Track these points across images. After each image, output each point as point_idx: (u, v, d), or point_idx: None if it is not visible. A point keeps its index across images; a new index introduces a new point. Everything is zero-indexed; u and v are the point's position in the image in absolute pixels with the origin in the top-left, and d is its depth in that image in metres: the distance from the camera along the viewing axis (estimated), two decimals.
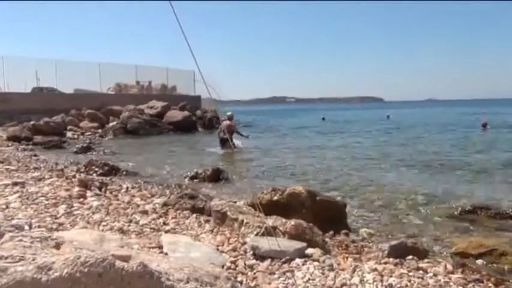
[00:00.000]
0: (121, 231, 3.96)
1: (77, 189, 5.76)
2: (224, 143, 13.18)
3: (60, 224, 4.02)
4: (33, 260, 1.76)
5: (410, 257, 3.69)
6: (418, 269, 3.37)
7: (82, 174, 7.58)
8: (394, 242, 3.91)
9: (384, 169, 9.38)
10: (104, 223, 4.22)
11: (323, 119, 37.78)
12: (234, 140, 13.48)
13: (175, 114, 23.06)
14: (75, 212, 4.57)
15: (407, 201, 6.29)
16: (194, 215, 4.83)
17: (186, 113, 23.51)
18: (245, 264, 3.20)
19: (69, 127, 20.31)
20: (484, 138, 17.67)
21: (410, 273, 3.20)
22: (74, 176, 7.14)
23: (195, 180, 8.12)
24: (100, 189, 6.19)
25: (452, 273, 3.39)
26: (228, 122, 14.06)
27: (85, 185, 6.09)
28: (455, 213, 5.52)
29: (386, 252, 3.78)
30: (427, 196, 6.58)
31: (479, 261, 3.91)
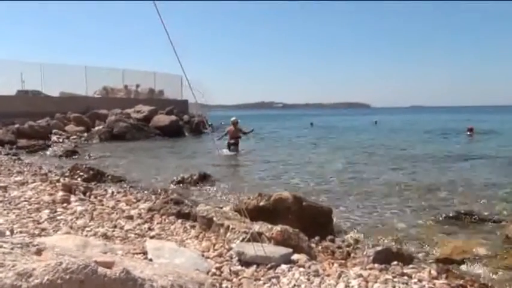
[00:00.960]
0: (105, 236, 3.91)
1: (60, 193, 5.68)
2: (229, 147, 14.00)
3: (43, 230, 3.96)
4: (13, 266, 1.72)
5: (395, 262, 3.71)
6: (402, 274, 3.38)
7: (66, 179, 7.50)
8: (379, 248, 3.93)
9: (370, 175, 9.42)
10: (87, 228, 4.17)
11: (311, 124, 38.01)
12: (240, 144, 14.31)
13: (162, 119, 22.95)
14: (59, 217, 4.50)
15: (393, 207, 6.33)
16: (180, 221, 4.80)
17: (173, 117, 23.41)
18: (230, 270, 3.18)
19: (54, 131, 20.05)
20: (469, 144, 17.92)
21: (395, 279, 3.21)
22: (58, 181, 7.05)
23: (181, 185, 8.08)
24: (84, 194, 6.12)
25: (436, 278, 3.41)
26: (232, 128, 14.46)
27: (69, 189, 6.01)
28: (440, 218, 5.57)
29: (371, 257, 3.79)
30: (412, 202, 6.64)
31: (463, 267, 3.95)
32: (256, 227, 3.94)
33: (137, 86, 28.88)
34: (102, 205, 5.49)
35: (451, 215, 5.60)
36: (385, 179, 8.80)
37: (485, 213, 5.72)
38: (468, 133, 22.43)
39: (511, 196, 7.08)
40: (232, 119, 14.82)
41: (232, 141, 14.14)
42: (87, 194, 6.18)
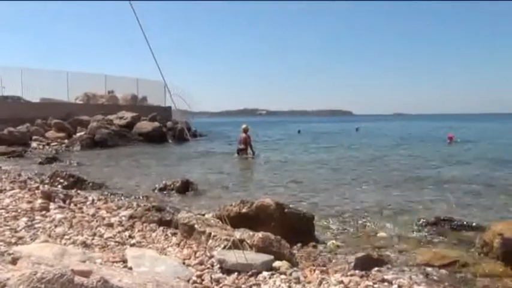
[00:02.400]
0: (84, 245, 3.85)
1: (39, 201, 5.59)
2: (238, 152, 14.69)
3: (20, 238, 3.88)
4: None
5: (376, 269, 3.74)
6: (383, 280, 3.41)
7: (46, 186, 7.37)
8: (360, 254, 3.96)
9: (352, 182, 9.49)
10: (66, 236, 4.10)
11: (299, 131, 38.22)
12: (250, 150, 14.68)
13: (145, 125, 22.76)
14: (37, 225, 4.43)
15: (374, 213, 6.38)
16: (161, 228, 4.76)
17: (156, 124, 23.24)
18: (211, 278, 3.16)
19: (34, 137, 19.71)
20: (448, 151, 18.19)
21: (376, 285, 3.24)
22: (38, 188, 6.94)
23: (163, 192, 8.02)
24: (64, 201, 6.03)
25: (416, 284, 3.45)
26: (243, 135, 14.83)
27: (48, 197, 5.91)
28: (420, 225, 5.63)
29: (352, 264, 3.81)
30: (393, 208, 6.70)
31: (443, 272, 3.99)
32: (238, 234, 3.94)
33: (110, 92, 28.34)
34: (82, 213, 5.41)
35: (430, 221, 5.66)
36: (366, 186, 8.87)
37: (464, 220, 5.80)
38: (448, 141, 22.79)
39: (488, 202, 7.21)
40: (243, 126, 15.05)
41: (242, 146, 14.72)
42: (67, 201, 6.09)
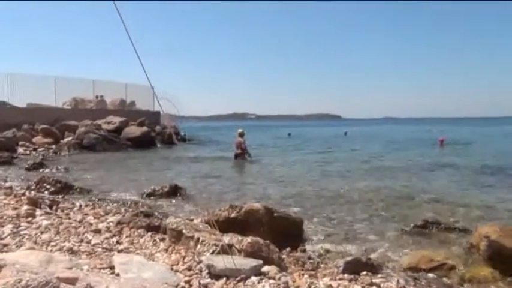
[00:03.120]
0: (71, 251, 3.81)
1: (25, 207, 5.52)
2: (236, 157, 14.98)
3: (5, 245, 3.82)
4: None
5: (364, 272, 3.76)
6: (371, 284, 3.43)
7: (32, 192, 7.30)
8: (348, 258, 3.97)
9: (340, 185, 9.52)
10: (52, 243, 4.05)
11: (289, 134, 38.37)
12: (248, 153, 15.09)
13: (134, 130, 22.61)
14: (22, 232, 4.37)
15: (362, 217, 6.41)
16: (149, 234, 4.73)
17: (144, 128, 23.10)
18: (200, 283, 3.15)
19: (20, 142, 19.44)
20: (439, 154, 18.38)
21: None
22: (24, 194, 6.86)
23: (152, 197, 7.96)
24: (51, 207, 5.96)
25: (404, 287, 3.47)
26: (239, 139, 15.08)
27: (35, 203, 5.84)
28: (408, 228, 5.67)
29: (341, 268, 3.82)
30: (381, 212, 6.74)
31: (430, 275, 4.02)
32: (227, 239, 3.92)
33: (100, 96, 28.05)
34: (69, 219, 5.36)
35: (419, 224, 5.70)
36: (354, 190, 8.91)
37: (452, 222, 5.87)
38: (439, 144, 23.05)
39: (475, 205, 7.29)
40: (239, 130, 15.31)
41: (238, 151, 14.97)
42: (54, 207, 6.02)
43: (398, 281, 3.65)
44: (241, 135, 15.10)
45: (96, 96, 27.79)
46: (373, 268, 3.90)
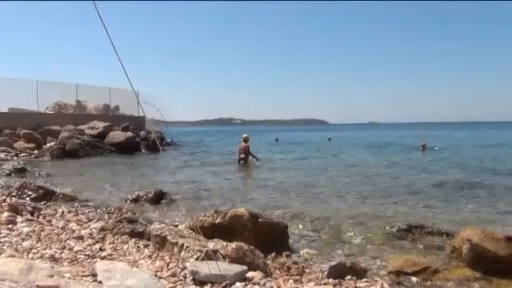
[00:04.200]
0: (52, 258, 3.76)
1: (6, 214, 5.43)
2: (239, 161, 15.18)
3: None
4: None
5: (349, 277, 3.78)
6: None
7: (13, 199, 7.16)
8: (333, 263, 4.00)
9: (326, 190, 9.57)
10: (34, 250, 3.99)
11: (276, 140, 38.46)
12: (253, 156, 15.36)
13: (118, 135, 22.40)
14: (2, 240, 4.30)
15: (347, 221, 6.44)
16: (133, 240, 4.70)
17: (128, 133, 22.91)
18: None
19: (1, 148, 19.13)
20: (421, 158, 18.60)
21: None
22: (4, 201, 6.73)
23: (136, 203, 7.90)
24: (32, 214, 5.88)
25: None
26: (244, 144, 15.24)
27: (15, 210, 5.75)
28: (392, 232, 5.72)
29: (326, 273, 3.85)
30: (365, 216, 6.77)
31: (414, 279, 4.07)
32: (211, 244, 3.92)
33: (78, 101, 27.72)
34: (51, 225, 5.28)
35: (402, 228, 5.76)
36: (339, 194, 8.97)
37: (435, 226, 5.93)
38: (421, 148, 23.35)
39: (458, 208, 7.40)
40: (244, 135, 15.48)
41: (242, 156, 15.18)
42: (36, 214, 5.93)
43: (382, 285, 3.68)
44: (246, 140, 15.31)
45: (77, 101, 27.45)
46: (358, 272, 3.93)
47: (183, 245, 3.99)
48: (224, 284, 3.22)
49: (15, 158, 17.86)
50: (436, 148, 23.89)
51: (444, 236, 5.52)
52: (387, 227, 5.94)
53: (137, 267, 3.68)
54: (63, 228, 5.16)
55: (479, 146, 27.78)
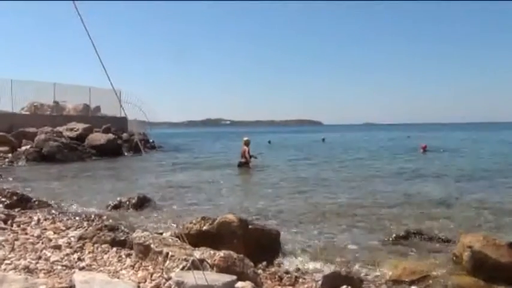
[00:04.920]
0: (27, 270, 3.71)
1: None
2: (240, 165, 15.30)
3: None
4: None
5: (344, 286, 3.78)
6: None
7: None
8: (327, 272, 3.99)
9: (320, 195, 9.59)
10: (7, 261, 3.93)
11: (269, 142, 38.56)
12: (253, 159, 15.63)
13: (98, 137, 22.27)
14: None
15: (343, 228, 6.46)
16: (114, 249, 4.66)
17: (110, 135, 22.79)
18: None
19: None
20: (421, 161, 18.71)
21: None
22: None
23: (118, 209, 7.83)
24: (5, 222, 5.80)
25: None
26: (244, 148, 15.52)
27: None
28: (390, 238, 5.74)
29: (320, 282, 3.84)
30: (362, 222, 6.80)
31: None
32: (198, 253, 3.89)
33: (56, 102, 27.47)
34: (26, 234, 5.22)
35: (401, 234, 5.79)
36: (335, 199, 8.99)
37: (435, 232, 5.97)
38: (421, 150, 23.49)
39: (458, 214, 7.45)
40: (245, 138, 15.70)
41: (243, 159, 15.42)
42: (9, 222, 5.86)
43: None
44: (247, 143, 15.46)
45: (55, 102, 27.18)
46: (353, 282, 3.93)
47: (167, 254, 3.95)
48: None
49: None
50: (442, 150, 24.03)
51: (444, 242, 5.55)
52: (384, 234, 5.96)
53: (118, 278, 3.64)
54: (39, 237, 5.10)
55: (479, 147, 28.10)
